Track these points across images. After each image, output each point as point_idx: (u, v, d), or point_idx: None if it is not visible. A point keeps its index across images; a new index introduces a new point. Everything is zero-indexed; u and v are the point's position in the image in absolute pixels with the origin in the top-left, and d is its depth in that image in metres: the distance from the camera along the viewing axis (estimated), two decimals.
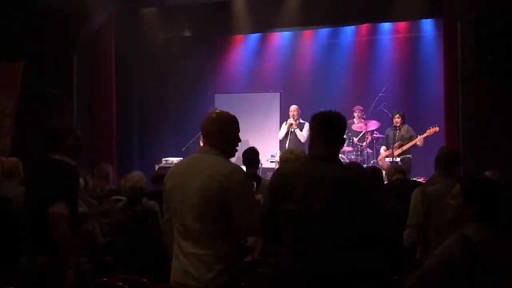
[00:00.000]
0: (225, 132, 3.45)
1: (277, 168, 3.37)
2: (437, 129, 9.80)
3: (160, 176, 6.90)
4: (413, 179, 8.94)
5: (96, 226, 5.24)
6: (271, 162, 11.15)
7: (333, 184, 3.06)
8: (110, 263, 5.24)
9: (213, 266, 3.24)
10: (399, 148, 10.08)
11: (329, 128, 3.27)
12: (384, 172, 9.50)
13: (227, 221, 3.29)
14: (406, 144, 10.08)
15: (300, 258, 3.04)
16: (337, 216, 3.03)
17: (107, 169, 7.08)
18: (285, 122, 10.89)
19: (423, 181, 9.47)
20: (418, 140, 10.00)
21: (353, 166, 5.64)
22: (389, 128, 10.66)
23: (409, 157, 10.09)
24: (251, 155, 6.37)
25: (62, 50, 9.91)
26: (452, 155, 4.81)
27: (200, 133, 10.89)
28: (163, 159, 11.20)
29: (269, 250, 3.37)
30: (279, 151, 11.31)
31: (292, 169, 3.27)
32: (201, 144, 11.22)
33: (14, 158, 5.86)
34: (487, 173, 5.81)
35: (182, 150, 11.46)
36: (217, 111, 3.66)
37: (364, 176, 3.32)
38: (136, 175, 5.48)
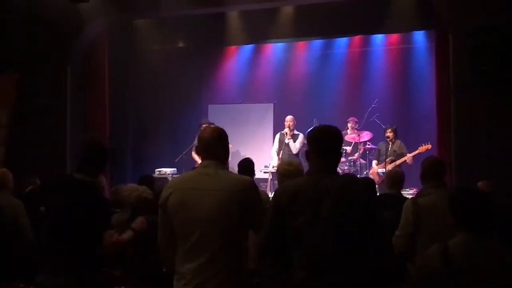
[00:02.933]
0: (224, 144, 3.52)
1: (281, 185, 3.37)
2: (429, 146, 9.76)
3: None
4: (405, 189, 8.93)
5: None
6: (264, 172, 11.15)
7: (337, 196, 3.08)
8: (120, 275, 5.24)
9: (227, 282, 3.24)
10: (391, 163, 10.07)
11: (326, 142, 3.29)
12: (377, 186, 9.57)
13: (242, 237, 3.33)
14: (398, 159, 10.07)
15: (312, 272, 3.06)
16: (345, 228, 3.06)
17: (101, 180, 7.04)
18: (279, 133, 10.90)
19: (415, 192, 9.53)
20: (407, 158, 10.00)
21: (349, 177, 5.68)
22: (381, 142, 10.66)
23: None
24: (247, 165, 6.40)
25: (56, 62, 9.93)
26: (441, 166, 4.86)
27: (193, 144, 11.05)
28: (156, 169, 11.21)
29: (271, 265, 3.39)
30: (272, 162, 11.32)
31: (296, 184, 3.26)
32: (194, 155, 11.20)
33: (3, 169, 5.87)
34: (480, 183, 5.84)
35: (176, 160, 11.47)
36: (212, 125, 3.65)
37: (364, 186, 3.34)
38: (141, 187, 5.49)
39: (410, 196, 6.71)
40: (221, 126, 3.63)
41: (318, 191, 3.11)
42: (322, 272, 3.04)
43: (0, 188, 5.64)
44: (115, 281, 5.15)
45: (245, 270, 3.43)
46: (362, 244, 3.07)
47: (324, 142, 3.29)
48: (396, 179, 6.23)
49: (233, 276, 3.28)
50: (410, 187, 10.08)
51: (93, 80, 10.66)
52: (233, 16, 11.03)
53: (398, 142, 10.34)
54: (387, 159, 10.13)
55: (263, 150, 12.03)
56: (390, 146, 10.33)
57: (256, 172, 7.01)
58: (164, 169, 11.23)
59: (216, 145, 3.47)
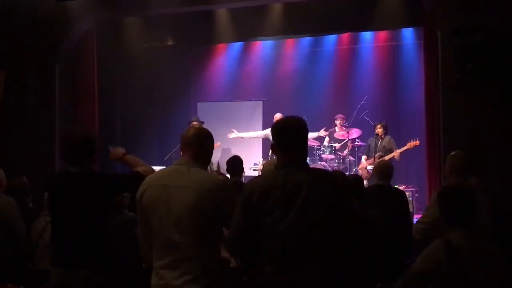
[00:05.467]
0: (204, 144, 3.54)
1: (249, 182, 3.31)
2: (417, 142, 9.87)
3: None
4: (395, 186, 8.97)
5: None
6: (254, 170, 11.17)
7: (306, 191, 3.02)
8: None
9: (200, 278, 3.26)
10: (379, 158, 10.11)
11: (289, 134, 3.21)
12: (365, 181, 9.60)
13: (213, 234, 3.34)
14: (387, 155, 10.11)
15: (282, 267, 3.03)
16: (313, 223, 3.01)
17: None
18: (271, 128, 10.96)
19: (404, 188, 9.57)
20: (396, 154, 10.07)
21: (336, 174, 5.69)
22: (371, 138, 10.73)
23: None
24: (235, 163, 6.44)
25: (44, 60, 9.87)
26: (467, 160, 4.86)
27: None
28: None
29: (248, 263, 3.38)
30: (262, 159, 11.35)
31: (266, 182, 3.19)
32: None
33: None
34: (473, 179, 5.86)
35: (165, 159, 11.45)
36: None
37: (336, 180, 3.28)
38: None
39: None
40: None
41: (287, 187, 3.05)
42: (290, 267, 3.01)
43: None
44: None
45: (219, 270, 3.43)
46: (332, 240, 3.03)
47: (288, 135, 3.21)
48: (385, 170, 6.26)
49: (206, 275, 3.29)
50: (399, 184, 10.13)
51: (81, 78, 10.60)
52: (222, 13, 11.00)
53: (387, 137, 10.42)
54: (376, 155, 10.19)
55: (252, 147, 12.04)
56: (379, 142, 10.39)
57: (245, 170, 7.04)
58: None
59: (195, 144, 3.50)
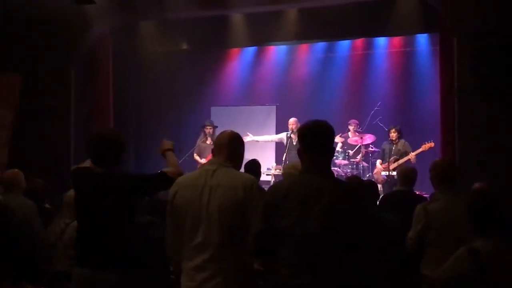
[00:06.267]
0: (235, 147, 3.63)
1: (271, 186, 3.34)
2: (432, 144, 9.82)
3: None
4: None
5: None
6: (267, 175, 11.16)
7: (327, 197, 3.03)
8: None
9: (228, 280, 3.30)
10: (394, 162, 10.08)
11: (315, 138, 3.21)
12: (379, 186, 9.58)
13: (245, 233, 3.35)
14: (402, 158, 10.09)
15: (298, 272, 3.03)
16: (332, 229, 3.01)
17: None
18: (285, 133, 10.99)
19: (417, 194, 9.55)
20: (411, 156, 10.03)
21: (352, 179, 5.70)
22: (385, 142, 10.68)
23: None
24: (254, 167, 6.44)
25: (60, 63, 9.94)
26: (450, 168, 4.87)
27: (195, 146, 11.07)
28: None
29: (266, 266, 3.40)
30: (275, 164, 11.36)
31: (286, 185, 3.23)
32: (196, 157, 11.16)
33: (15, 170, 5.86)
34: (476, 185, 5.87)
35: (179, 162, 11.45)
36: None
37: (358, 187, 3.30)
38: None
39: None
40: (223, 128, 3.76)
41: (308, 192, 3.07)
42: (305, 270, 3.01)
43: (11, 189, 5.62)
44: None
45: (250, 270, 3.47)
46: (351, 246, 3.03)
47: (313, 138, 3.21)
48: (407, 175, 6.24)
49: (237, 275, 3.33)
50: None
51: (97, 82, 10.67)
52: (237, 18, 11.03)
53: (402, 141, 10.37)
54: (391, 159, 10.14)
55: (266, 152, 12.04)
56: (394, 146, 10.33)
57: None
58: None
59: (226, 146, 3.57)
